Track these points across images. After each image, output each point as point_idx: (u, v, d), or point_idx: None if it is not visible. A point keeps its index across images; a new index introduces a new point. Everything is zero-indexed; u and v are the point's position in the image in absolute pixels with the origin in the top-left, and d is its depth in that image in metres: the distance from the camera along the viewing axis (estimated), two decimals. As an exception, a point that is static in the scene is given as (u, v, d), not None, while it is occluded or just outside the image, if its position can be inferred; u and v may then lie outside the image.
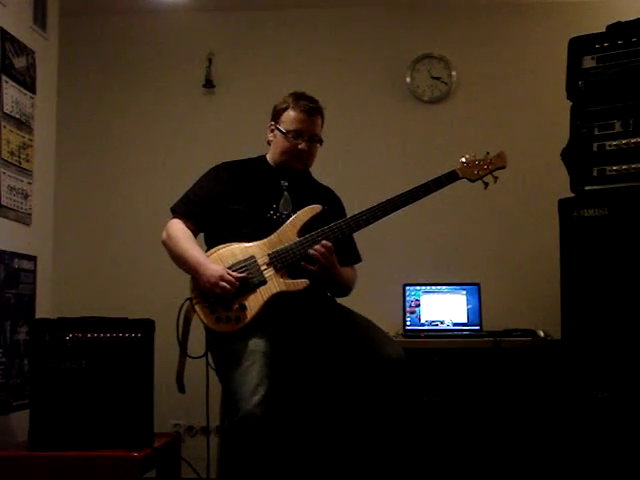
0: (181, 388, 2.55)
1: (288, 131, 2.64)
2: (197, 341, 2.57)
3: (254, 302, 2.46)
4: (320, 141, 2.69)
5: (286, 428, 2.40)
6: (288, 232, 2.54)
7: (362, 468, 2.50)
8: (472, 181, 2.62)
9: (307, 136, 2.64)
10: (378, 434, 2.45)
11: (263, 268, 2.49)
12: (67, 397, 2.69)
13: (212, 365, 2.54)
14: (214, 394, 2.62)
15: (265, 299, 2.46)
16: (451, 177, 2.60)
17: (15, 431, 2.95)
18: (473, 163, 2.61)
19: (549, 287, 3.10)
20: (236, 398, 2.29)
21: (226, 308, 2.45)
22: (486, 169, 2.61)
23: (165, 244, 2.59)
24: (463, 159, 2.62)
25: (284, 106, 2.67)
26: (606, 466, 2.71)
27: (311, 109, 2.65)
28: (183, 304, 2.53)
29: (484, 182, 2.61)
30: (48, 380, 2.70)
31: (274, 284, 2.48)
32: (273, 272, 2.49)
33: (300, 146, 2.63)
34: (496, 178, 2.61)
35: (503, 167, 2.62)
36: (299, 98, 2.67)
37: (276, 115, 2.69)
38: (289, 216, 2.60)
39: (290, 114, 2.64)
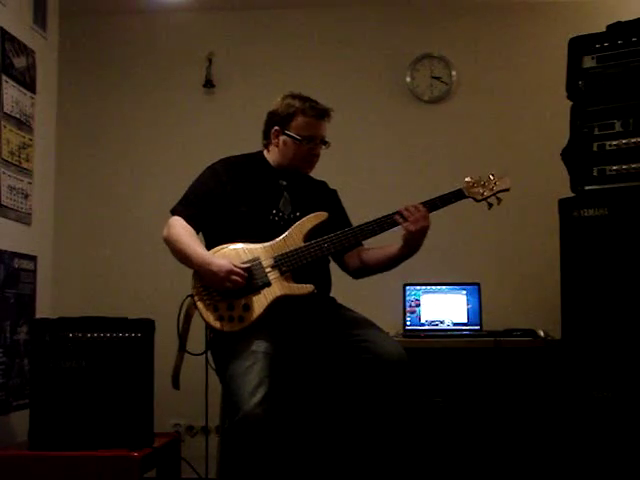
0: (176, 384, 2.55)
1: (302, 137, 2.60)
2: (197, 339, 2.57)
3: (258, 303, 2.45)
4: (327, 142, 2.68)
5: (286, 428, 2.40)
6: (294, 237, 2.53)
7: (362, 468, 2.50)
8: (477, 201, 2.63)
9: (319, 140, 2.64)
10: (378, 434, 2.45)
11: (268, 270, 2.48)
12: (67, 397, 2.69)
13: (212, 364, 2.54)
14: (214, 394, 2.62)
15: (269, 301, 2.45)
16: (458, 196, 2.61)
17: (15, 431, 2.95)
18: (478, 183, 2.62)
19: (549, 287, 3.11)
20: (236, 398, 2.29)
21: (229, 307, 2.45)
22: (491, 190, 2.62)
23: (167, 241, 2.56)
24: (468, 179, 2.62)
25: (291, 111, 2.62)
26: (606, 466, 2.71)
27: (322, 112, 2.62)
28: (184, 301, 2.52)
29: (488, 203, 2.63)
30: (48, 380, 2.70)
31: (279, 287, 2.47)
32: (278, 275, 2.48)
33: (315, 151, 2.63)
34: (500, 200, 2.62)
35: (507, 189, 2.62)
36: (305, 101, 2.63)
37: (282, 120, 2.63)
38: (290, 216, 2.60)
39: (302, 119, 2.61)
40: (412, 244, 2.56)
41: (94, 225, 4.09)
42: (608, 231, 2.81)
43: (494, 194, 2.62)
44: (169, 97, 4.11)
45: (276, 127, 2.66)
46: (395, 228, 2.58)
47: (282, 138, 2.64)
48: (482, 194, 2.61)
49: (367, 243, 2.69)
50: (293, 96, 2.66)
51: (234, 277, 2.40)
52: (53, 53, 3.41)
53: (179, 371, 2.55)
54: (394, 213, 2.56)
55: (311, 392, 2.64)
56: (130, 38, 4.16)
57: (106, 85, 4.14)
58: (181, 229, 2.54)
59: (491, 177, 2.63)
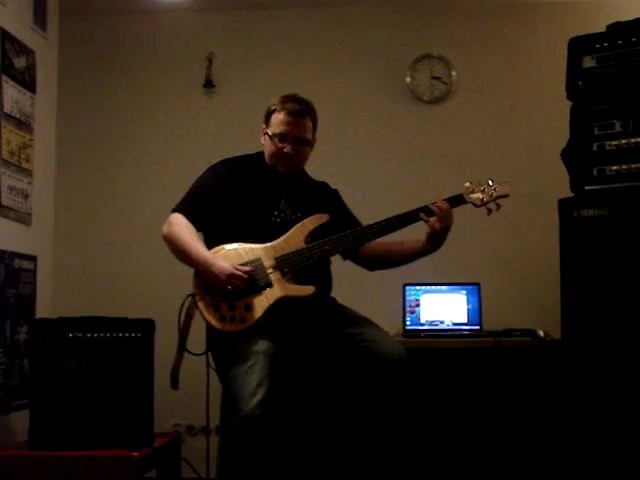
0: (174, 384, 2.55)
1: (274, 134, 2.61)
2: (197, 339, 2.57)
3: (259, 304, 2.45)
4: (309, 144, 2.66)
5: (286, 429, 2.40)
6: (295, 238, 2.53)
7: (362, 468, 2.50)
8: (477, 206, 2.63)
9: (293, 139, 2.61)
10: (378, 433, 2.44)
11: (269, 271, 2.48)
12: (67, 397, 2.69)
13: (212, 365, 2.54)
14: (214, 394, 2.61)
15: (271, 302, 2.45)
16: (458, 201, 2.61)
17: (15, 431, 2.95)
18: (478, 189, 2.62)
19: (549, 287, 3.11)
20: (236, 398, 2.29)
21: (230, 307, 2.44)
22: (491, 196, 2.62)
23: (167, 238, 2.55)
24: (468, 184, 2.63)
25: (272, 109, 2.64)
26: (606, 466, 2.71)
27: (297, 112, 2.60)
28: (185, 300, 2.52)
29: (488, 209, 2.63)
30: (48, 380, 2.69)
31: (280, 288, 2.47)
32: (279, 276, 2.48)
33: (285, 150, 2.60)
34: (499, 206, 2.62)
35: (506, 196, 2.62)
36: (286, 100, 2.63)
37: (266, 118, 2.67)
38: (292, 217, 2.60)
39: (277, 117, 2.62)
40: (438, 241, 2.58)
41: (94, 225, 4.09)
42: (608, 231, 2.81)
43: (493, 200, 2.62)
44: (169, 97, 4.11)
45: (263, 124, 2.69)
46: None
47: (265, 135, 2.67)
48: (482, 200, 2.62)
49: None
50: (283, 95, 2.66)
51: (235, 280, 2.40)
52: (53, 53, 3.41)
53: (178, 371, 2.55)
54: (417, 210, 2.56)
55: (311, 392, 2.64)
56: (130, 38, 4.16)
57: (106, 85, 4.14)
58: (183, 227, 2.53)
59: (490, 183, 2.63)
